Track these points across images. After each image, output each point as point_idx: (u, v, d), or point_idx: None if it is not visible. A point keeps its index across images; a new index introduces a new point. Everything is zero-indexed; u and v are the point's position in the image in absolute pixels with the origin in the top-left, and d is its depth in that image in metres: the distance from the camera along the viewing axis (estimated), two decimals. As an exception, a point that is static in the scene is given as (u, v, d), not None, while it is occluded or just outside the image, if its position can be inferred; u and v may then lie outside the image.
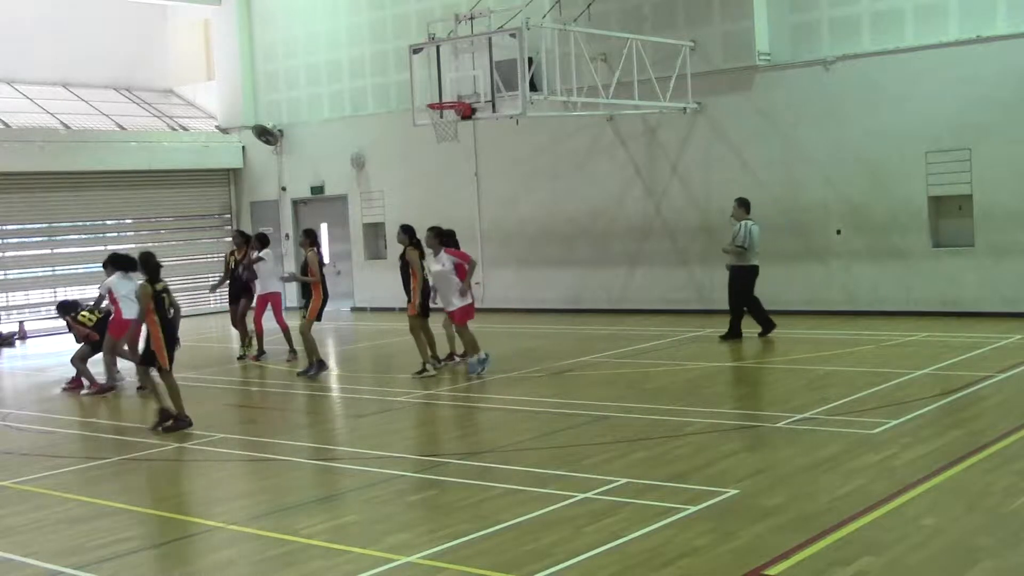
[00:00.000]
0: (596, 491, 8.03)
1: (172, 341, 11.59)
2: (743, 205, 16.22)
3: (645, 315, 17.62)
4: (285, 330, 16.60)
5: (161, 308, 11.41)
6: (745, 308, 16.08)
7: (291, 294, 23.36)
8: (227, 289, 17.44)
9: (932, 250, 17.37)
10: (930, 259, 17.37)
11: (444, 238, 14.08)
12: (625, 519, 7.33)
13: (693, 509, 7.46)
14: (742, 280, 15.98)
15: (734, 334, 15.98)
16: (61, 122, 24.03)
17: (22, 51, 24.77)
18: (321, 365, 14.70)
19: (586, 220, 20.79)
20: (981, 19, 16.85)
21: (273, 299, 16.68)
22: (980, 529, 6.79)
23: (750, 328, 15.99)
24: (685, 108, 18.81)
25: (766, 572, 6.22)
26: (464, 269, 13.92)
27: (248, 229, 26.15)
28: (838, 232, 18.13)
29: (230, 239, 17.89)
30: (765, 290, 18.82)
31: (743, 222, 15.98)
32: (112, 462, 10.29)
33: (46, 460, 10.65)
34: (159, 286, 11.50)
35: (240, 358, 16.90)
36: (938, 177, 17.15)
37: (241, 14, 25.76)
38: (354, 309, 23.95)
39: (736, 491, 7.85)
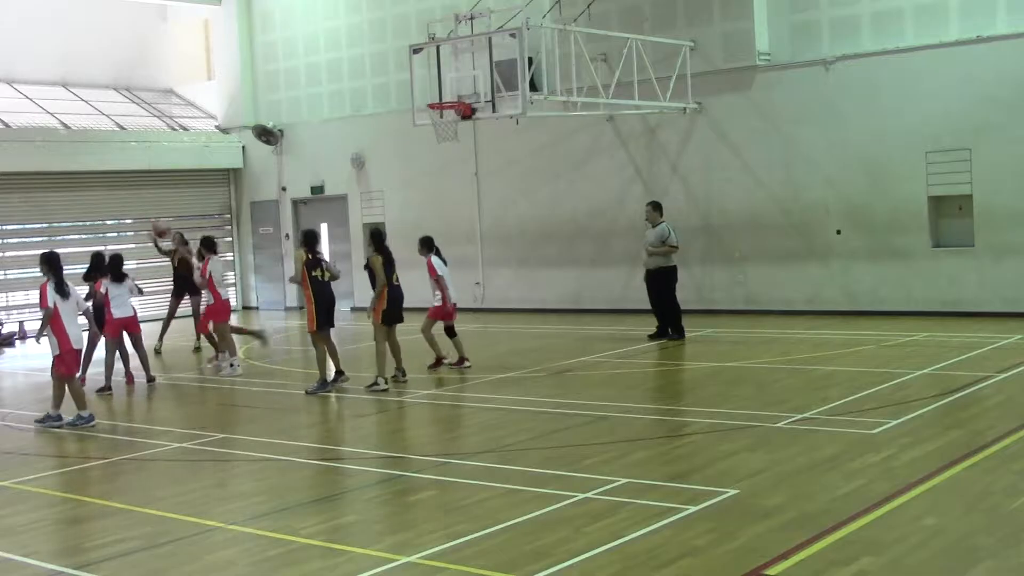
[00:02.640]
0: (596, 491, 8.03)
1: None
2: (657, 208, 16.53)
3: (645, 315, 17.60)
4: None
5: None
6: (658, 308, 16.44)
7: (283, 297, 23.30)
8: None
9: (932, 250, 17.37)
10: (930, 259, 17.37)
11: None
12: (625, 519, 7.33)
13: (693, 509, 7.46)
14: (668, 280, 16.32)
15: (678, 333, 16.25)
16: (61, 122, 24.03)
17: (22, 51, 24.77)
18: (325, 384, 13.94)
19: (586, 220, 20.79)
20: (981, 19, 16.85)
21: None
22: (980, 529, 6.78)
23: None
24: (685, 108, 18.81)
25: (766, 572, 6.22)
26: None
27: (248, 229, 26.25)
28: (838, 232, 18.13)
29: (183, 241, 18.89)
30: (766, 290, 18.92)
31: (664, 223, 16.27)
32: (112, 462, 10.29)
33: (46, 460, 10.66)
34: None
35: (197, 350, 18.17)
36: (938, 177, 17.15)
37: (241, 14, 25.76)
38: (354, 309, 23.94)
39: (736, 491, 7.85)
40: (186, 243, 18.27)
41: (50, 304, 11.79)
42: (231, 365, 15.30)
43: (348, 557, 6.91)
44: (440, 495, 8.41)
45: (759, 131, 18.74)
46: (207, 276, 15.52)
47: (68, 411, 12.08)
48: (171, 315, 18.49)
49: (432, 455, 9.79)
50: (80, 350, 12.45)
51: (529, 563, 6.55)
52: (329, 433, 11.57)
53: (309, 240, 13.81)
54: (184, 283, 18.03)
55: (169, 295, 18.85)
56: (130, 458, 10.40)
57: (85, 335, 13.59)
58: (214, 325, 15.71)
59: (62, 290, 11.87)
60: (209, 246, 16.14)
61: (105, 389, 14.22)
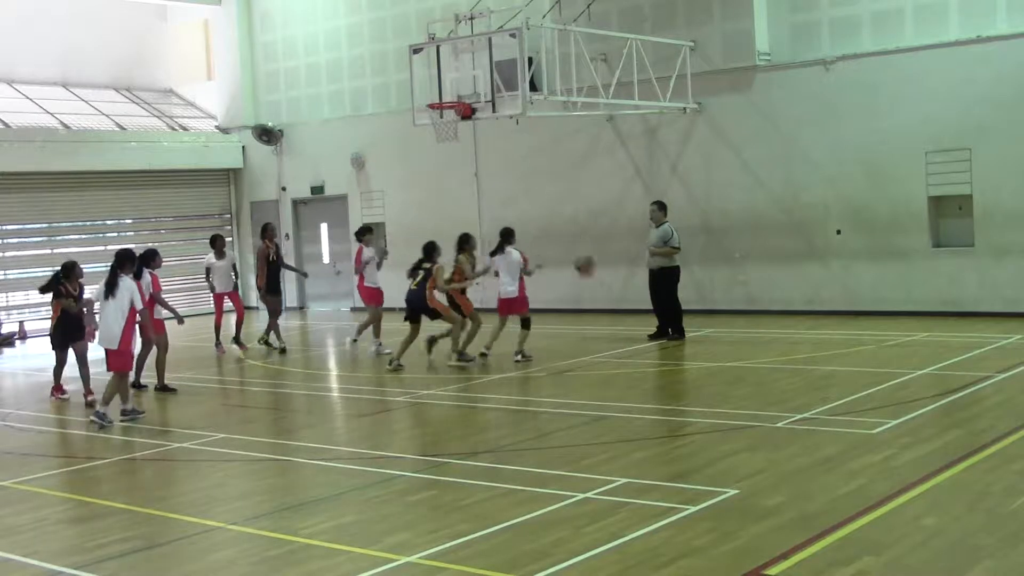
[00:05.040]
0: (596, 491, 8.03)
1: None
2: (662, 208, 16.53)
3: (645, 315, 17.61)
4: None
5: None
6: (659, 308, 16.45)
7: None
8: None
9: (932, 250, 17.37)
10: (930, 259, 17.37)
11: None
12: (625, 519, 7.33)
13: (693, 509, 7.46)
14: (671, 281, 16.33)
15: (679, 333, 16.25)
16: (61, 122, 24.03)
17: (22, 51, 24.78)
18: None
19: (586, 220, 20.78)
20: (981, 19, 16.85)
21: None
22: (980, 529, 6.78)
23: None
24: (685, 108, 18.81)
25: (766, 572, 6.22)
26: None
27: (248, 229, 26.27)
28: (838, 232, 18.13)
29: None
30: (766, 290, 18.92)
31: (666, 224, 16.26)
32: (112, 462, 10.29)
33: (46, 460, 10.66)
34: None
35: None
36: (938, 177, 17.15)
37: (241, 14, 25.76)
38: (354, 309, 23.94)
39: (736, 491, 7.85)
40: (274, 236, 18.03)
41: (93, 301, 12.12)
42: (377, 345, 16.42)
43: (348, 557, 6.91)
44: (440, 495, 8.40)
45: (759, 131, 18.74)
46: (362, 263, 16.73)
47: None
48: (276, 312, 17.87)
49: (432, 455, 9.79)
50: (107, 351, 12.04)
51: (529, 563, 6.55)
52: (329, 433, 11.56)
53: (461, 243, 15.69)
54: (273, 280, 17.69)
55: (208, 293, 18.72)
56: (130, 458, 10.40)
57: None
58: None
59: (108, 290, 11.91)
60: (360, 234, 17.04)
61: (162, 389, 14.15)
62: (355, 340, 16.99)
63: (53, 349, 13.83)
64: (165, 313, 14.15)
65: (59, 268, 13.71)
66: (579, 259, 15.96)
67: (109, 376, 12.12)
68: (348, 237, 24.33)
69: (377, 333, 16.61)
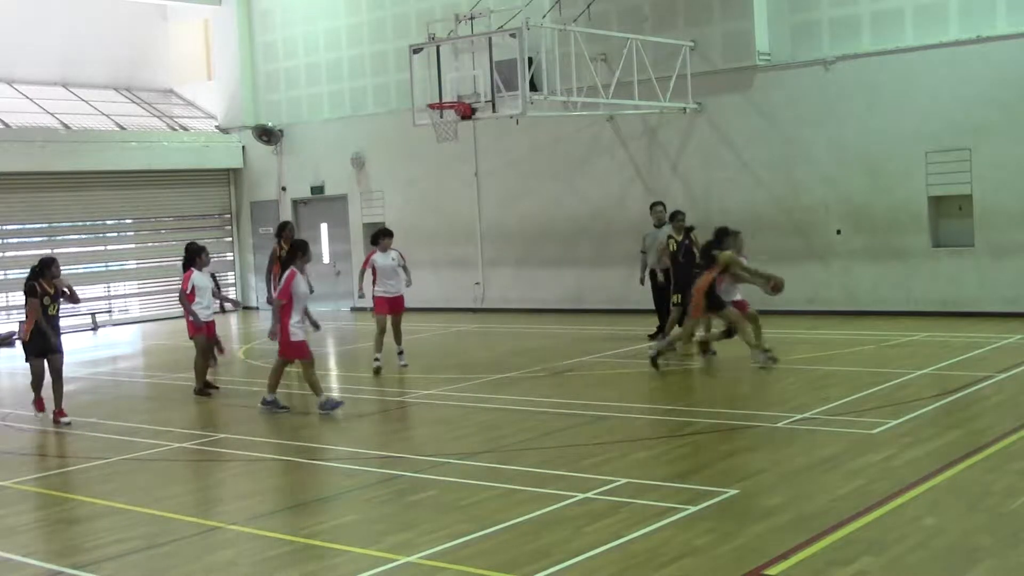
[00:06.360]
0: (596, 491, 8.03)
1: None
2: (665, 208, 16.49)
3: (645, 315, 17.61)
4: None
5: None
6: (660, 308, 16.38)
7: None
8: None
9: (932, 250, 17.38)
10: (930, 259, 17.37)
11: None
12: (625, 519, 7.33)
13: (693, 509, 7.46)
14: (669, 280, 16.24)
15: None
16: (61, 122, 24.03)
17: (22, 51, 24.77)
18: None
19: (586, 220, 20.78)
20: (981, 19, 16.85)
21: None
22: (980, 529, 6.79)
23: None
24: (685, 108, 18.81)
25: (766, 572, 6.22)
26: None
27: (248, 229, 26.26)
28: (838, 232, 18.14)
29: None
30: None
31: (668, 223, 16.18)
32: (112, 462, 10.28)
33: (46, 460, 10.66)
34: None
35: None
36: (938, 177, 17.16)
37: (241, 14, 25.76)
38: (354, 309, 23.94)
39: (736, 491, 7.85)
40: (291, 237, 16.52)
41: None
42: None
43: (348, 557, 6.91)
44: (440, 495, 8.40)
45: (759, 131, 18.74)
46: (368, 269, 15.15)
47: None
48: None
49: (432, 455, 9.79)
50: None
51: (529, 563, 6.55)
52: (329, 433, 11.56)
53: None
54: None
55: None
56: (130, 458, 10.40)
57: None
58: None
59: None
60: (374, 241, 15.43)
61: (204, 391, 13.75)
62: (399, 352, 15.36)
63: (27, 359, 12.53)
64: (204, 315, 13.60)
65: (36, 264, 12.58)
66: (777, 282, 14.33)
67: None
68: (348, 237, 24.37)
69: (378, 346, 14.99)
